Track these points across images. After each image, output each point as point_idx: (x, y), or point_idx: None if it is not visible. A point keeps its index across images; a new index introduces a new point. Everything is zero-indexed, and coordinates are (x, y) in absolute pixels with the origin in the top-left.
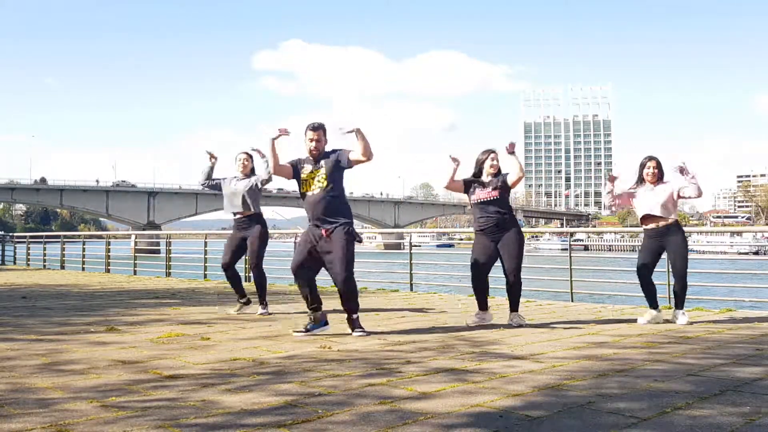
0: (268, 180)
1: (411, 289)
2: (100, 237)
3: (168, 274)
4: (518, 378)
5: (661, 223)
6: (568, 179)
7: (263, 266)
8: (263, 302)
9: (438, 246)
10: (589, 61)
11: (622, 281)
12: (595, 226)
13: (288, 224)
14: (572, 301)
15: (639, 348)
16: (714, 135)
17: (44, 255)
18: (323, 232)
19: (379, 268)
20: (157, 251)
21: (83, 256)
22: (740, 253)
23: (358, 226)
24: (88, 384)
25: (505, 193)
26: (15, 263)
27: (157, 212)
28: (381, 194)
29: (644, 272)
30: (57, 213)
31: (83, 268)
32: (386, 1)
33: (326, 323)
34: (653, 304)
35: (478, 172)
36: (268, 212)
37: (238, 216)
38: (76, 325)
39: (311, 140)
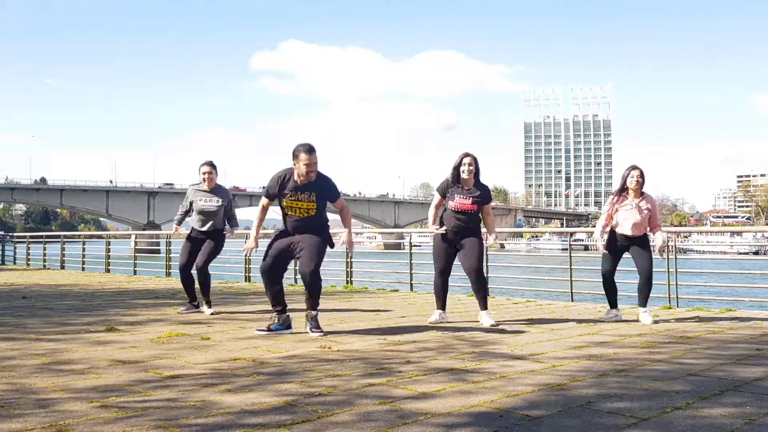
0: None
1: (411, 289)
2: (100, 237)
3: (168, 274)
4: (518, 378)
5: (636, 235)
6: (568, 179)
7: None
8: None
9: None
10: (589, 61)
11: (622, 281)
12: (594, 226)
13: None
14: (572, 301)
15: (639, 348)
16: (714, 135)
17: (44, 255)
18: (297, 234)
19: (379, 268)
20: (157, 251)
21: (83, 256)
22: (740, 253)
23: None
24: (88, 384)
25: (481, 207)
26: (15, 263)
27: (157, 212)
28: (381, 194)
29: (611, 275)
30: (57, 213)
31: (83, 268)
32: (385, 2)
33: (290, 327)
34: (615, 303)
35: (456, 176)
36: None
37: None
38: (76, 325)
39: (307, 164)
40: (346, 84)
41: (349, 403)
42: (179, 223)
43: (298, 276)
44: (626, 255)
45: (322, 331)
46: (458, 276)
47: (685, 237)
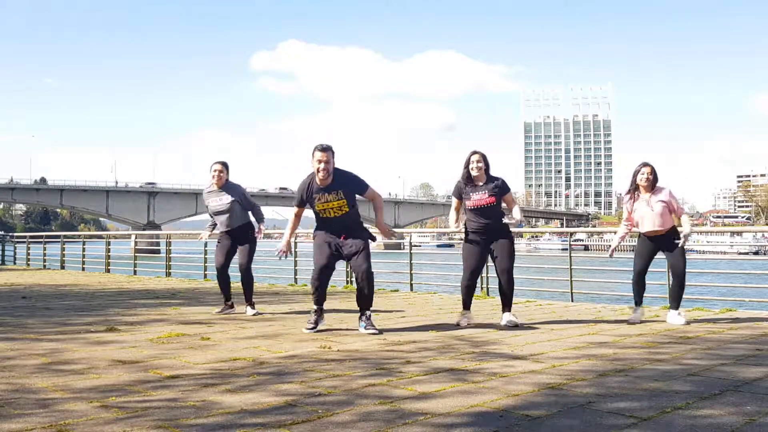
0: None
1: (411, 289)
2: (100, 237)
3: (168, 274)
4: (518, 378)
5: (661, 232)
6: (568, 179)
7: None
8: (251, 302)
9: (438, 246)
10: (589, 61)
11: (622, 281)
12: (595, 226)
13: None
14: (572, 301)
15: (639, 348)
16: (714, 135)
17: (44, 255)
18: (342, 237)
19: (379, 268)
20: (157, 251)
21: (83, 256)
22: (740, 253)
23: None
24: (88, 384)
25: (500, 198)
26: (15, 263)
27: (157, 212)
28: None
29: (638, 275)
30: (57, 213)
31: (83, 268)
32: (385, 2)
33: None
34: (640, 301)
35: (467, 176)
36: (269, 212)
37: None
38: (76, 325)
39: (319, 161)
40: (346, 84)
41: (349, 403)
42: (212, 228)
43: (296, 276)
44: (659, 255)
45: (377, 330)
46: (459, 276)
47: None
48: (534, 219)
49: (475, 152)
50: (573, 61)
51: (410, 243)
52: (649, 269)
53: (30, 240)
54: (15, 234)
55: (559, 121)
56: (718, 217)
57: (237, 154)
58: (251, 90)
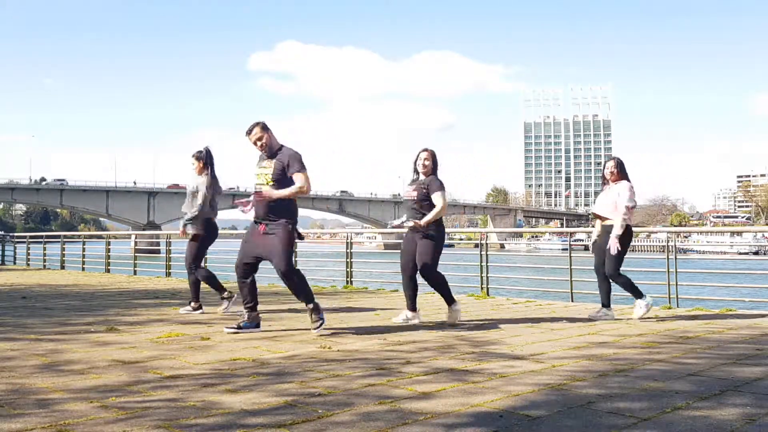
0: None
1: None
2: (100, 237)
3: (168, 274)
4: (518, 378)
5: (606, 222)
6: (568, 179)
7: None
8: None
9: None
10: (589, 61)
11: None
12: (594, 226)
13: None
14: (572, 301)
15: (639, 348)
16: (714, 135)
17: (44, 255)
18: (261, 228)
19: (379, 268)
20: (157, 251)
21: (83, 256)
22: (740, 253)
23: (358, 225)
24: (88, 384)
25: (427, 194)
26: (15, 263)
27: (157, 212)
28: (381, 194)
29: (601, 271)
30: (57, 213)
31: (83, 268)
32: (381, 2)
33: (258, 326)
34: (607, 302)
35: (416, 170)
36: None
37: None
38: (76, 325)
39: (254, 142)
40: (345, 84)
41: (349, 403)
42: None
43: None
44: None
45: (322, 323)
46: (459, 276)
47: (685, 237)
48: (534, 219)
49: (424, 150)
50: (573, 61)
51: None
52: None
53: (30, 240)
54: (15, 234)
55: (559, 121)
56: (718, 217)
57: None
58: (250, 90)
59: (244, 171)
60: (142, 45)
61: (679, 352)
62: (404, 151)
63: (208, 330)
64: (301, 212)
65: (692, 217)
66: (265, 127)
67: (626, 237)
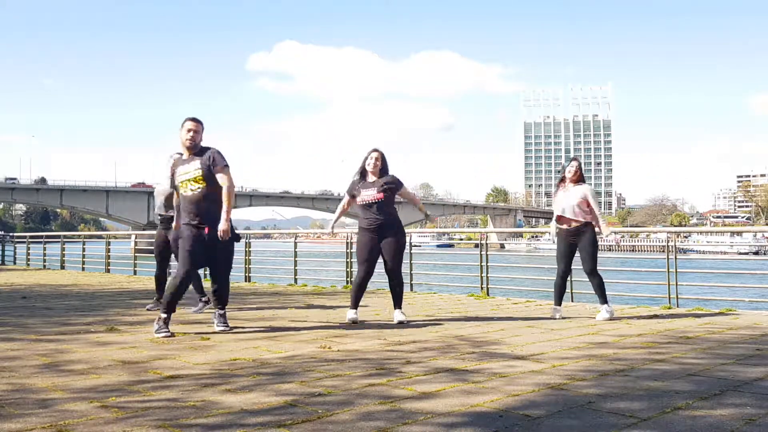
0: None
1: (411, 289)
2: (100, 237)
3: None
4: (518, 378)
5: (573, 224)
6: None
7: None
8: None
9: (438, 246)
10: (589, 61)
11: (623, 281)
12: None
13: (288, 224)
14: (572, 301)
15: (639, 348)
16: (713, 135)
17: (44, 255)
18: (206, 230)
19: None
20: None
21: (83, 256)
22: (740, 253)
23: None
24: (88, 384)
25: (390, 195)
26: (15, 263)
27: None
28: None
29: (564, 276)
30: (57, 213)
31: (83, 268)
32: (380, 2)
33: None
34: (559, 301)
35: (363, 172)
36: (268, 212)
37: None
38: (76, 325)
39: (189, 131)
40: (344, 84)
41: (349, 403)
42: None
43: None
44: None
45: (226, 326)
46: (459, 276)
47: (686, 237)
48: (534, 219)
49: (375, 150)
50: (573, 61)
51: (410, 243)
52: (649, 269)
53: (30, 240)
54: (15, 234)
55: (559, 121)
56: (718, 217)
57: (236, 154)
58: (250, 90)
59: (244, 171)
60: (141, 45)
61: (679, 352)
62: (404, 151)
63: (208, 330)
64: (302, 212)
65: (692, 217)
66: (202, 124)
67: (596, 236)
